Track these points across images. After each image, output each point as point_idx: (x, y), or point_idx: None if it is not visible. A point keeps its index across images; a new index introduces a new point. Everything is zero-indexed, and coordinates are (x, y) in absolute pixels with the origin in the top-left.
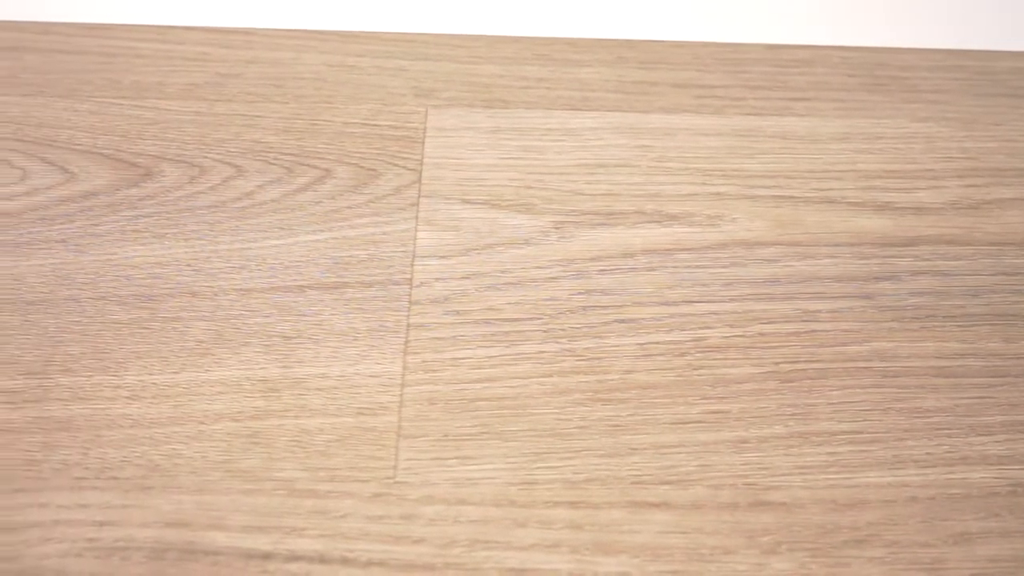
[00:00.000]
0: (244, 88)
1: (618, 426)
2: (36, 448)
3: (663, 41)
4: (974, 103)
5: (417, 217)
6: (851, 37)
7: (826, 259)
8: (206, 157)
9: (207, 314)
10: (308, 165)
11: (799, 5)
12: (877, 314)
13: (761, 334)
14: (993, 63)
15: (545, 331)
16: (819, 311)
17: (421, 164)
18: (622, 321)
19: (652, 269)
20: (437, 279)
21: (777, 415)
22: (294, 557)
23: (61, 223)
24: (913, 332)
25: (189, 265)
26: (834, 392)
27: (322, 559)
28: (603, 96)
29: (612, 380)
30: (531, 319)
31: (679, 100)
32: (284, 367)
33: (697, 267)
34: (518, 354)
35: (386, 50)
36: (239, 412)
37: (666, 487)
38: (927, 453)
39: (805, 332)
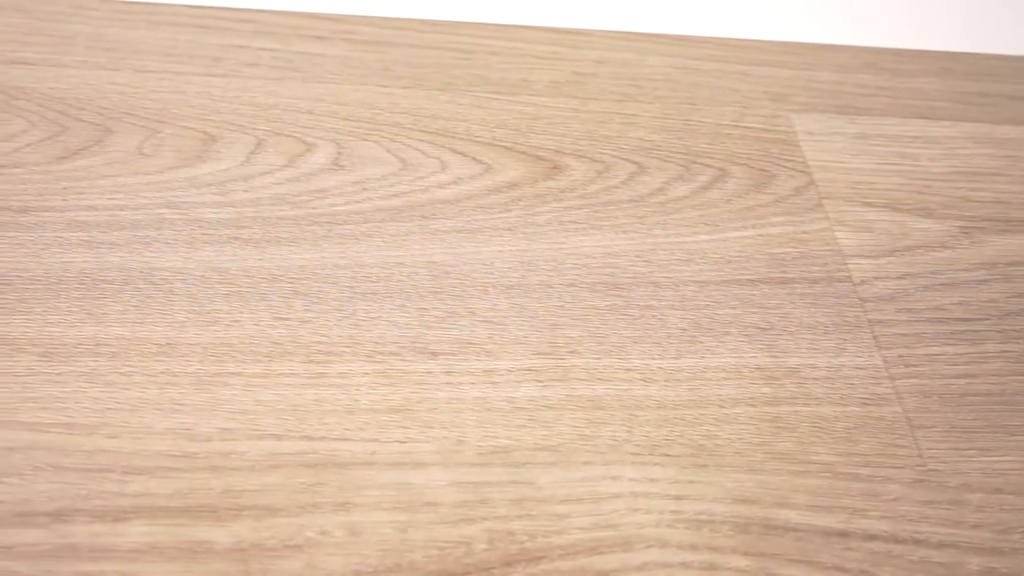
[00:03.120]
0: (605, 87)
1: None
2: (582, 424)
3: (981, 54)
4: None
5: (828, 218)
6: None
7: None
8: (603, 153)
9: (676, 304)
10: (702, 164)
11: None
12: None
13: None
14: None
15: (1000, 331)
16: None
17: (807, 167)
18: None
19: None
20: (875, 278)
21: None
22: (869, 536)
23: (499, 212)
24: None
25: (638, 256)
26: None
27: (895, 539)
28: (947, 106)
29: None
30: (980, 319)
31: (1022, 112)
32: (772, 356)
33: None
34: (984, 352)
35: (723, 55)
36: (751, 398)
37: None
38: None
39: None
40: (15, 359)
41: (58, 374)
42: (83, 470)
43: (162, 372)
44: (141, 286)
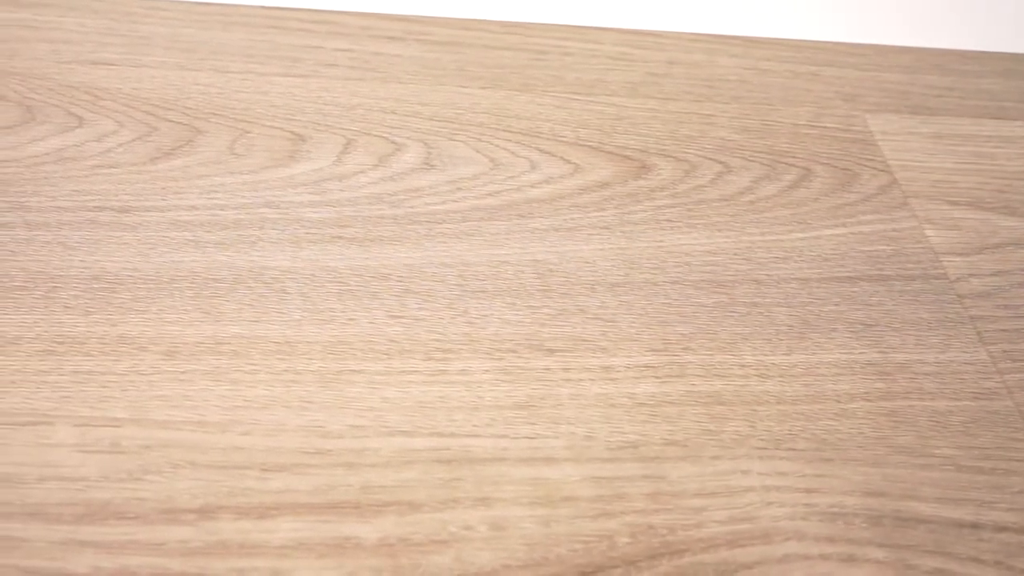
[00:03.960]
0: (680, 87)
1: None
2: (705, 419)
3: None
4: None
5: (916, 216)
6: None
7: None
8: (687, 153)
9: (781, 300)
10: (786, 164)
11: None
12: None
13: None
14: None
15: None
16: None
17: (888, 166)
18: None
19: None
20: (970, 275)
21: None
22: (1000, 528)
23: (594, 211)
24: None
25: (737, 254)
26: None
27: None
28: (1016, 106)
29: None
30: None
31: None
32: (880, 352)
33: None
34: None
35: (790, 55)
36: (866, 393)
37: None
38: None
39: None
40: (139, 358)
41: (183, 372)
42: (222, 467)
43: (285, 370)
44: (252, 285)
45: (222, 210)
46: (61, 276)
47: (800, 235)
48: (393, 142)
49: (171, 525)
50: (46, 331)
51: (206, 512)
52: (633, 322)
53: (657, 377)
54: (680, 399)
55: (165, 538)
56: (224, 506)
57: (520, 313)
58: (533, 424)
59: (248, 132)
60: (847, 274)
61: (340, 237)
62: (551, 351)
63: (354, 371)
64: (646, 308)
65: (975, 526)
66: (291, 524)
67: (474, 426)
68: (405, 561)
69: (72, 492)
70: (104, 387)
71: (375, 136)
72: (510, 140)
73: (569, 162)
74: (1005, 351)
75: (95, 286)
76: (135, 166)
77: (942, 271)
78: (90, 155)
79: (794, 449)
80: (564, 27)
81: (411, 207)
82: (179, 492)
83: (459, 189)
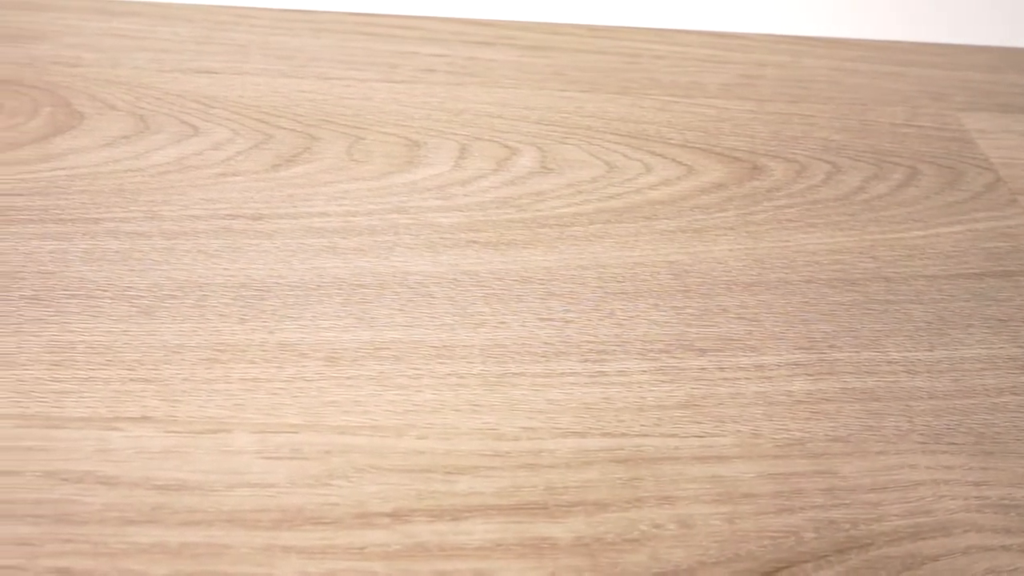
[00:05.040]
0: (774, 89)
1: None
2: (864, 415)
3: None
4: None
5: None
6: None
7: None
8: (795, 153)
9: (913, 298)
10: (891, 163)
11: None
12: None
13: None
14: None
15: None
16: None
17: (990, 164)
18: None
19: None
20: None
21: None
22: None
23: (716, 212)
24: None
25: (862, 252)
26: None
27: None
28: None
29: None
30: None
31: None
32: (1020, 347)
33: None
34: None
35: (873, 56)
36: (1013, 387)
37: None
38: None
39: None
40: (302, 364)
41: (348, 378)
42: (406, 471)
43: (448, 374)
44: (398, 290)
45: (353, 216)
46: (208, 284)
47: (919, 233)
48: (507, 146)
49: (367, 529)
50: (206, 339)
51: (399, 515)
52: (776, 321)
53: (809, 375)
54: (836, 396)
55: (364, 542)
56: (416, 509)
57: (665, 314)
58: (700, 423)
59: (363, 139)
60: (972, 271)
61: (475, 241)
62: (702, 351)
63: (516, 374)
64: (785, 307)
65: None
66: (484, 526)
67: (642, 426)
68: (603, 560)
69: (264, 499)
70: (274, 394)
71: (488, 141)
72: (619, 143)
73: (682, 164)
74: None
75: (244, 293)
76: (257, 174)
77: None
78: (212, 163)
79: (955, 443)
80: (649, 30)
81: (538, 211)
82: (369, 496)
83: (580, 192)
